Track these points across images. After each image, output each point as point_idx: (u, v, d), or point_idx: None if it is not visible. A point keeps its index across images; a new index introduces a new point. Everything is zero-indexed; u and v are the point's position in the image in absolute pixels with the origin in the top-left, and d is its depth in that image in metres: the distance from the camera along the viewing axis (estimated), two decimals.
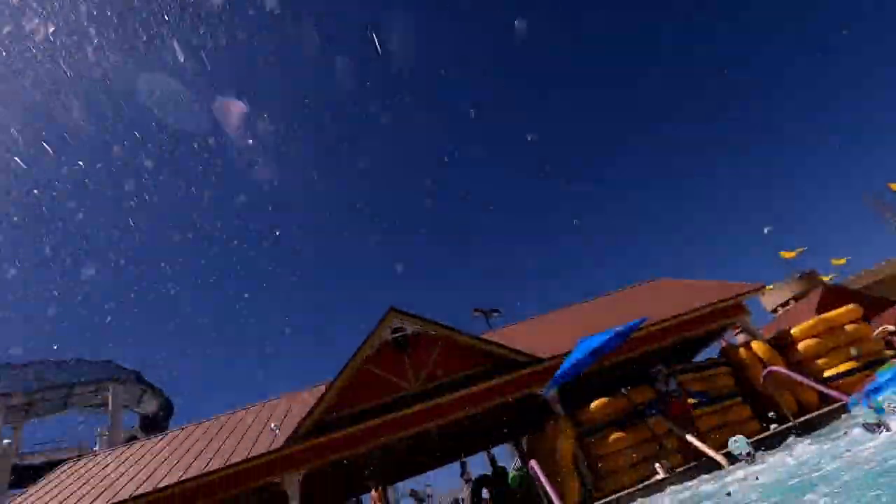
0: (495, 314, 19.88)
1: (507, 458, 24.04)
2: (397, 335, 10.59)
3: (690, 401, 8.66)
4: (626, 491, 7.85)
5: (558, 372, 8.74)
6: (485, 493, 12.12)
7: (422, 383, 10.49)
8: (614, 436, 9.32)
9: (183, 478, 9.30)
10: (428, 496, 25.05)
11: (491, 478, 12.35)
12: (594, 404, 9.75)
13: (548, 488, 7.29)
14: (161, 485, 9.26)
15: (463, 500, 21.40)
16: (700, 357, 14.35)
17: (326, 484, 12.45)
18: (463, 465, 22.75)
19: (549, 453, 9.55)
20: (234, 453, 9.89)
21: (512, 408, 12.31)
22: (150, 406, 28.03)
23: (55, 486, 10.96)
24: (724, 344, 13.71)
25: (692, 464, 7.88)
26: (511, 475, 12.50)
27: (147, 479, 9.79)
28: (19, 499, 10.79)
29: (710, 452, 7.27)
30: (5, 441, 20.01)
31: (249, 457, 9.47)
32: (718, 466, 7.04)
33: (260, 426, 11.46)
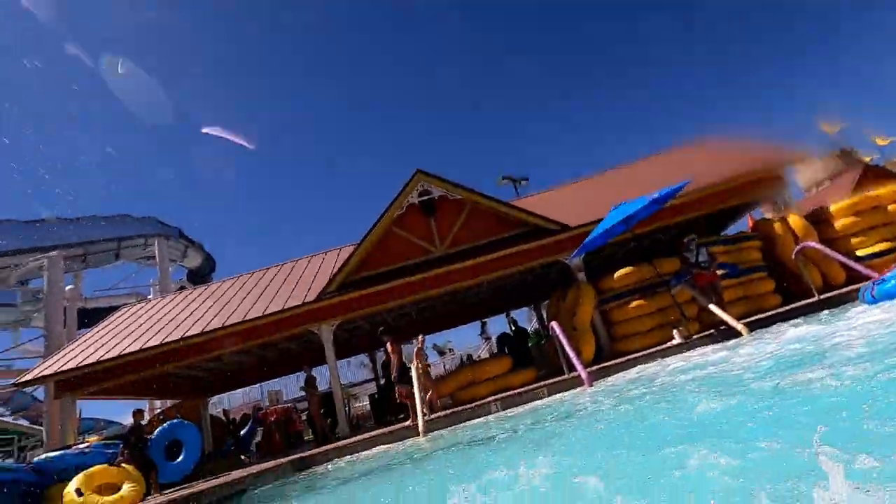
0: (523, 182, 19.46)
1: (526, 320, 25.59)
2: (424, 198, 10.49)
3: (719, 272, 8.58)
4: (640, 353, 8.21)
5: (587, 239, 8.64)
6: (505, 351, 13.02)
7: (447, 247, 10.65)
8: (635, 303, 9.53)
9: (227, 323, 10.14)
10: (449, 350, 27.41)
11: (512, 336, 13.16)
12: (618, 273, 9.81)
13: (566, 347, 7.65)
14: (208, 328, 10.16)
15: (480, 355, 23.34)
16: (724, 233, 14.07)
17: (360, 334, 13.55)
18: (483, 325, 24.45)
19: (567, 317, 9.93)
20: (272, 304, 10.62)
21: (535, 273, 12.59)
22: (194, 261, 30.02)
23: (115, 327, 12.19)
24: (749, 221, 13.29)
25: (710, 332, 8.07)
26: (530, 336, 13.28)
27: (195, 323, 10.73)
28: (86, 335, 12.13)
29: (732, 322, 7.37)
30: (68, 287, 22.04)
31: (285, 307, 10.15)
32: (737, 335, 7.18)
33: (295, 280, 12.14)
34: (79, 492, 6.25)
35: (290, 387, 22.85)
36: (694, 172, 10.64)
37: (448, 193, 10.58)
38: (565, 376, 8.08)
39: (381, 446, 7.32)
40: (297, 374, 15.02)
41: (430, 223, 10.79)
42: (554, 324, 8.36)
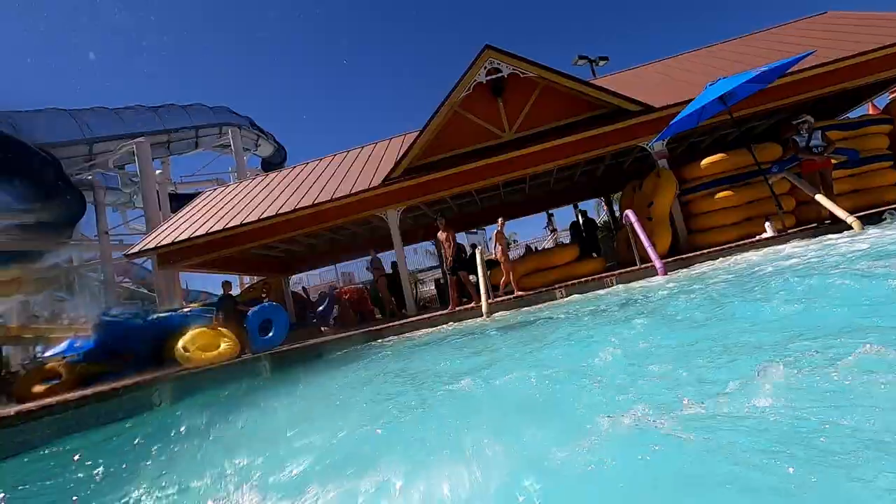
0: (602, 62, 17.43)
1: (595, 212, 24.73)
2: (492, 77, 9.68)
3: (834, 160, 7.42)
4: (725, 245, 7.61)
5: (675, 119, 7.70)
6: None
7: (517, 130, 10.01)
8: (721, 194, 8.67)
9: (298, 206, 10.50)
10: (514, 241, 27.45)
11: (580, 226, 12.77)
12: (706, 160, 8.84)
13: (640, 235, 7.23)
14: (282, 210, 10.60)
15: (544, 247, 23.16)
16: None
17: (425, 222, 13.70)
18: (549, 217, 23.92)
19: (643, 207, 9.29)
20: (339, 188, 10.78)
21: (608, 162, 11.73)
22: (266, 150, 31.13)
23: (202, 207, 13.08)
24: (870, 109, 11.22)
25: (812, 226, 7.24)
26: (599, 227, 12.80)
27: (269, 206, 11.21)
28: (179, 214, 13.16)
29: (842, 214, 6.47)
30: (157, 171, 23.76)
31: (352, 192, 10.27)
32: (847, 229, 6.33)
33: (362, 165, 12.16)
34: (185, 349, 7.23)
35: (361, 271, 24.27)
36: (816, 47, 8.91)
37: (518, 71, 9.66)
38: (637, 267, 7.74)
39: (445, 325, 7.61)
40: (368, 258, 15.76)
41: (499, 105, 10.08)
42: (629, 211, 7.85)
